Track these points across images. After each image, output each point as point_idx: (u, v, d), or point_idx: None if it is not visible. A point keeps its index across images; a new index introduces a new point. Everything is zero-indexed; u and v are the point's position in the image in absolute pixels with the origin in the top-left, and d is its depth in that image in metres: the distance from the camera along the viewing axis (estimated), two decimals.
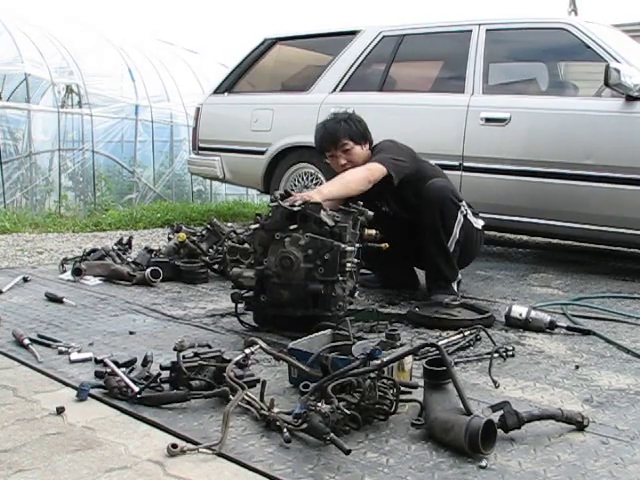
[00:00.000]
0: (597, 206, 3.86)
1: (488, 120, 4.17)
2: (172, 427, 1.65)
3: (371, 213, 2.72)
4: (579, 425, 1.66)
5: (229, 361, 1.88)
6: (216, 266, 3.64)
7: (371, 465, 1.47)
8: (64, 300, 2.95)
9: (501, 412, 1.61)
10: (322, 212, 2.49)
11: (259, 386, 1.78)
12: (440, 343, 1.99)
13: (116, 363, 2.00)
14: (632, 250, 4.74)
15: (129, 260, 3.68)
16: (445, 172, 3.39)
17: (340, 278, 2.47)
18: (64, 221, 5.99)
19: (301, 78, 5.42)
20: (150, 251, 3.69)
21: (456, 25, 4.61)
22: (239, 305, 2.61)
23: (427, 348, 2.00)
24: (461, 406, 1.60)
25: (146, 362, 2.00)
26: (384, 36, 4.83)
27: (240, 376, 1.85)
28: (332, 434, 1.49)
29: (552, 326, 2.64)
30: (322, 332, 2.20)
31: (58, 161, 8.29)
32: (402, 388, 1.75)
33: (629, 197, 3.74)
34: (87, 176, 8.58)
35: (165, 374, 1.88)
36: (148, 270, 3.40)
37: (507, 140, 4.12)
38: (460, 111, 4.27)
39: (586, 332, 2.61)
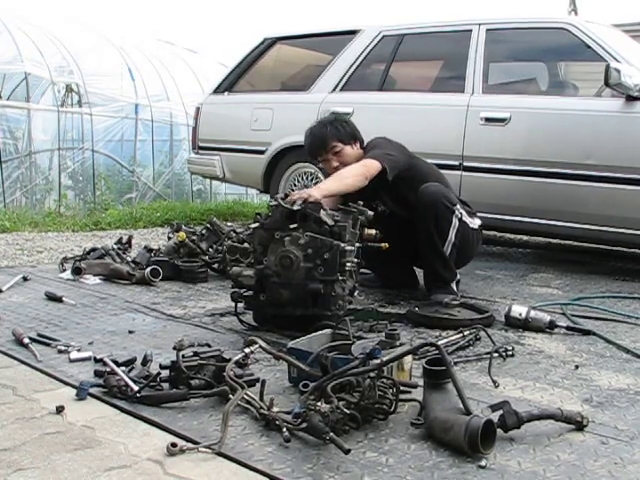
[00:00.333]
0: (597, 206, 3.86)
1: (488, 120, 4.17)
2: (172, 426, 1.64)
3: (371, 213, 2.72)
4: (579, 425, 1.66)
5: (229, 360, 1.87)
6: (216, 265, 3.64)
7: (370, 464, 1.47)
8: (64, 299, 2.95)
9: (500, 412, 1.60)
10: (322, 211, 2.49)
11: (259, 385, 1.78)
12: (440, 343, 1.99)
13: (116, 362, 2.00)
14: (632, 250, 4.74)
15: (129, 259, 3.68)
16: (445, 172, 3.39)
17: (340, 277, 2.46)
18: (64, 220, 5.99)
19: (301, 78, 5.42)
20: (150, 250, 3.70)
21: (456, 25, 4.60)
22: (239, 304, 2.61)
23: (427, 348, 2.00)
24: (461, 406, 1.60)
25: (146, 361, 2.00)
26: (384, 36, 4.83)
27: (240, 375, 1.85)
28: (331, 433, 1.49)
29: (552, 326, 2.64)
30: (322, 331, 2.20)
31: (58, 160, 8.29)
32: (402, 388, 1.74)
33: (629, 197, 3.74)
34: (87, 175, 8.58)
35: (165, 373, 1.88)
36: (148, 269, 3.40)
37: (507, 140, 4.12)
38: (460, 111, 4.27)
39: (586, 332, 2.61)
